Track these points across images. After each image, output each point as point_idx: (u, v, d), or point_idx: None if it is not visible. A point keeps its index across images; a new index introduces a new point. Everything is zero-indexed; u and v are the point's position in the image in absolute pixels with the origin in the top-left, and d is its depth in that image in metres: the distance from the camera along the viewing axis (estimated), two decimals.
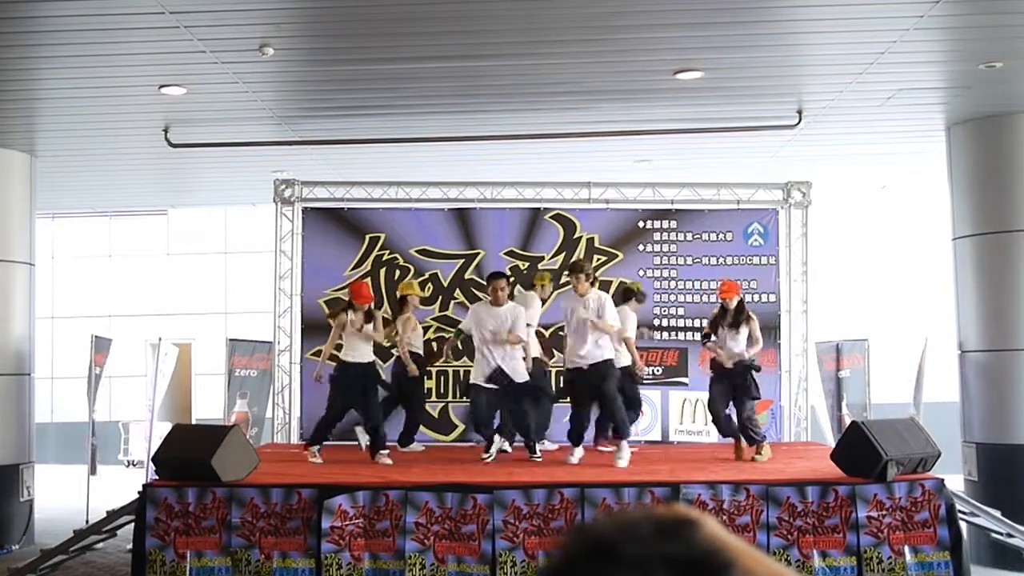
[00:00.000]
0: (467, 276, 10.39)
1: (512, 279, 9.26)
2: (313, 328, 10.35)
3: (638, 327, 9.24)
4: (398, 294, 9.56)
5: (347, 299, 8.61)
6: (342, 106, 8.80)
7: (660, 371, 10.22)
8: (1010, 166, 9.07)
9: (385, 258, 10.42)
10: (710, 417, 8.64)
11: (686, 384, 10.23)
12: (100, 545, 8.22)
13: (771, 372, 10.22)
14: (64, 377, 17.33)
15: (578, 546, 0.92)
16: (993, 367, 9.06)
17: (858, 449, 6.83)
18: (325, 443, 8.34)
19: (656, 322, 10.35)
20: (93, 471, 11.04)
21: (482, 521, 6.52)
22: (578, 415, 8.12)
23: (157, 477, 7.08)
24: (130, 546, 6.90)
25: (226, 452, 6.75)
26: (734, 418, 8.31)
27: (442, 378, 10.25)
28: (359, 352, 8.27)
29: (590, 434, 8.82)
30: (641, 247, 10.45)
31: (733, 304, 8.25)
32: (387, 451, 8.28)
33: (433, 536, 6.51)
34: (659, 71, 7.84)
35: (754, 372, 8.18)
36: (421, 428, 10.05)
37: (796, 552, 6.53)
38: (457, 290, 10.37)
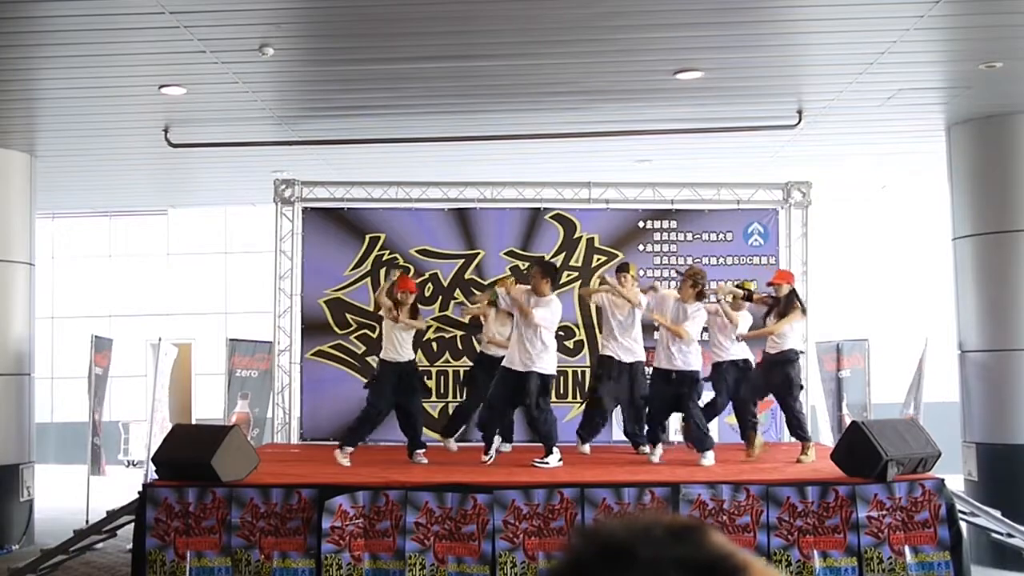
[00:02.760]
0: (467, 276, 10.38)
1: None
2: (313, 328, 10.35)
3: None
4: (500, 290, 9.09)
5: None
6: (342, 106, 8.80)
7: None
8: (1010, 166, 9.07)
9: (385, 258, 10.40)
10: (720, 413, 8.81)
11: None
12: (100, 545, 8.22)
13: None
14: (64, 377, 17.34)
15: (590, 549, 0.91)
16: (993, 367, 9.06)
17: (858, 449, 6.83)
18: (326, 442, 8.28)
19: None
20: (98, 472, 11.02)
21: (482, 521, 6.52)
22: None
23: (157, 477, 7.08)
24: (130, 546, 6.91)
25: (226, 452, 6.75)
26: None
27: (442, 378, 10.25)
28: (394, 351, 8.25)
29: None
30: (641, 247, 10.45)
31: (784, 292, 8.27)
32: (424, 450, 8.25)
33: (433, 536, 6.51)
34: (659, 71, 7.84)
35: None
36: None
37: (797, 552, 6.53)
38: (457, 290, 10.37)
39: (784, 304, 8.25)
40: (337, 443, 8.37)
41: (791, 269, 10.36)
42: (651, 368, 8.55)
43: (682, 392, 7.98)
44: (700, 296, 8.10)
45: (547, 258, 10.32)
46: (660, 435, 8.42)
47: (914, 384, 10.60)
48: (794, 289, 8.44)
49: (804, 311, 8.45)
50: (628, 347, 8.62)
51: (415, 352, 8.64)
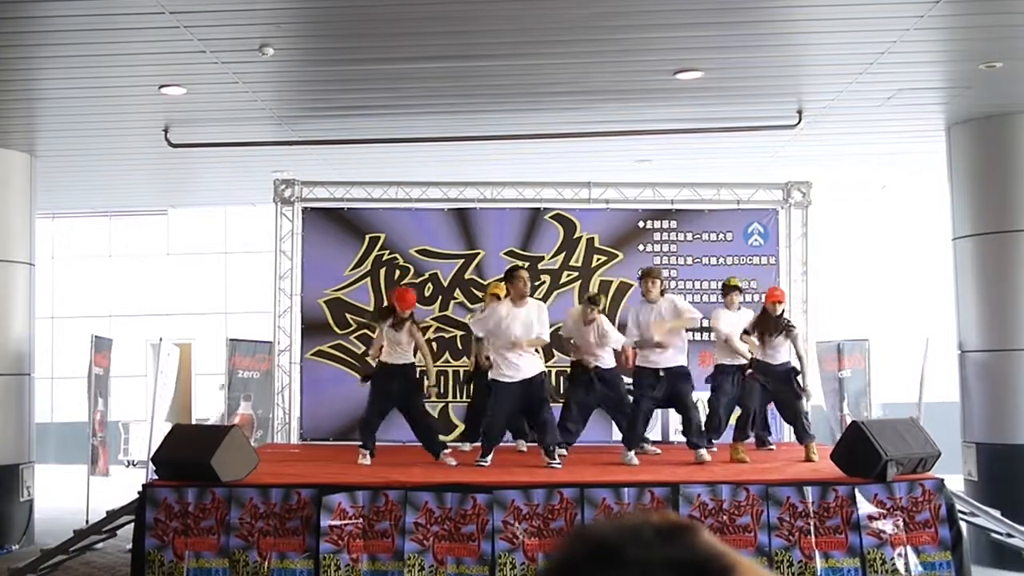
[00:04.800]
0: (467, 276, 10.38)
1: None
2: (313, 328, 10.35)
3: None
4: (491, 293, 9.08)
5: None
6: (342, 106, 8.80)
7: None
8: (1010, 166, 9.06)
9: (385, 258, 10.41)
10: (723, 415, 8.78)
11: None
12: (100, 545, 8.22)
13: None
14: (64, 377, 17.34)
15: (579, 548, 0.92)
16: (993, 367, 9.05)
17: (858, 449, 6.83)
18: (326, 442, 8.24)
19: None
20: (95, 472, 11.01)
21: (482, 521, 6.51)
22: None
23: (157, 477, 7.08)
24: (130, 546, 6.91)
25: (226, 452, 6.74)
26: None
27: (442, 378, 10.24)
28: (393, 354, 8.19)
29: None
30: (641, 247, 10.45)
31: (778, 311, 8.37)
32: (450, 451, 8.22)
33: (432, 537, 6.50)
34: (659, 71, 7.84)
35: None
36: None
37: (798, 553, 6.52)
38: (457, 290, 10.37)
39: (784, 323, 8.37)
40: (338, 443, 8.36)
41: (791, 269, 10.40)
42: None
43: (679, 388, 8.09)
44: (663, 292, 8.35)
45: (547, 258, 10.34)
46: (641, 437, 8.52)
47: (921, 384, 10.60)
48: None
49: None
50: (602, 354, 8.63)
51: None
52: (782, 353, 8.34)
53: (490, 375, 8.06)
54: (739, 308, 9.00)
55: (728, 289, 9.06)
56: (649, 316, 8.14)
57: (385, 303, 9.54)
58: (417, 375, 8.39)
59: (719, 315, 9.01)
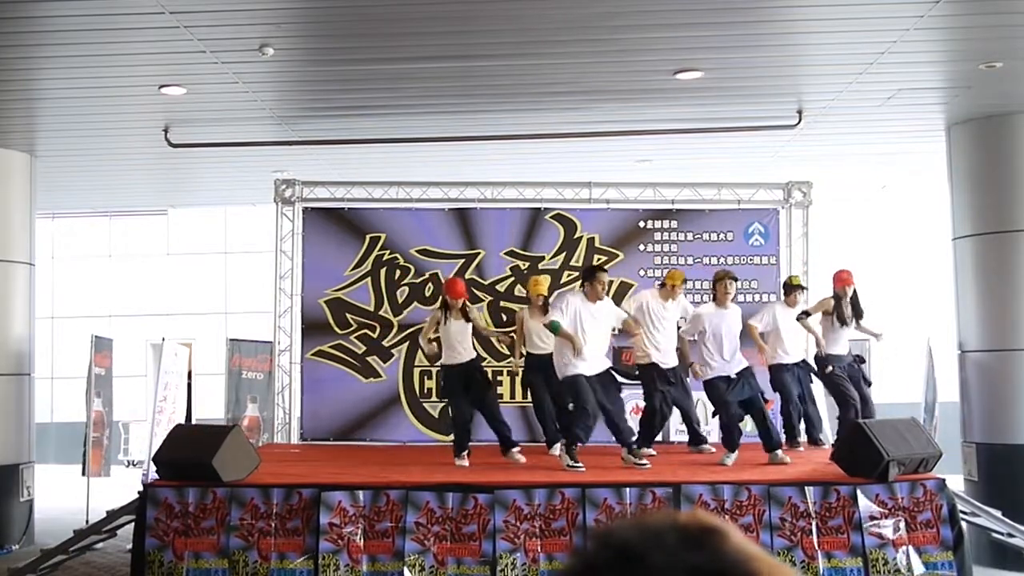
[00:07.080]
0: (467, 276, 10.37)
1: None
2: (313, 328, 10.35)
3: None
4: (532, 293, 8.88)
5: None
6: (342, 106, 8.79)
7: None
8: (1010, 166, 9.06)
9: (385, 258, 10.41)
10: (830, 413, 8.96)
11: None
12: (100, 545, 8.22)
13: None
14: (64, 377, 17.33)
15: (602, 553, 0.90)
16: (993, 367, 9.05)
17: (859, 449, 6.82)
18: (326, 442, 8.21)
19: None
20: (102, 472, 11.01)
21: (483, 521, 6.51)
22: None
23: (158, 477, 7.07)
24: (130, 546, 6.90)
25: (227, 452, 6.74)
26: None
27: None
28: (454, 353, 8.18)
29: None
30: (642, 247, 10.45)
31: (848, 294, 8.63)
32: (518, 448, 8.21)
33: (433, 537, 6.49)
34: (659, 71, 7.84)
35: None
36: (419, 428, 10.08)
37: (800, 553, 6.52)
38: None
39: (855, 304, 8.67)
40: (338, 443, 8.36)
41: (791, 269, 10.37)
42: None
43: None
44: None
45: (547, 258, 10.32)
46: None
47: (928, 385, 10.58)
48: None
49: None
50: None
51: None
52: (843, 344, 8.49)
53: (571, 370, 7.78)
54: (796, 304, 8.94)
55: (792, 288, 9.01)
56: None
57: (385, 303, 9.55)
58: (481, 368, 8.49)
59: (776, 311, 8.92)
